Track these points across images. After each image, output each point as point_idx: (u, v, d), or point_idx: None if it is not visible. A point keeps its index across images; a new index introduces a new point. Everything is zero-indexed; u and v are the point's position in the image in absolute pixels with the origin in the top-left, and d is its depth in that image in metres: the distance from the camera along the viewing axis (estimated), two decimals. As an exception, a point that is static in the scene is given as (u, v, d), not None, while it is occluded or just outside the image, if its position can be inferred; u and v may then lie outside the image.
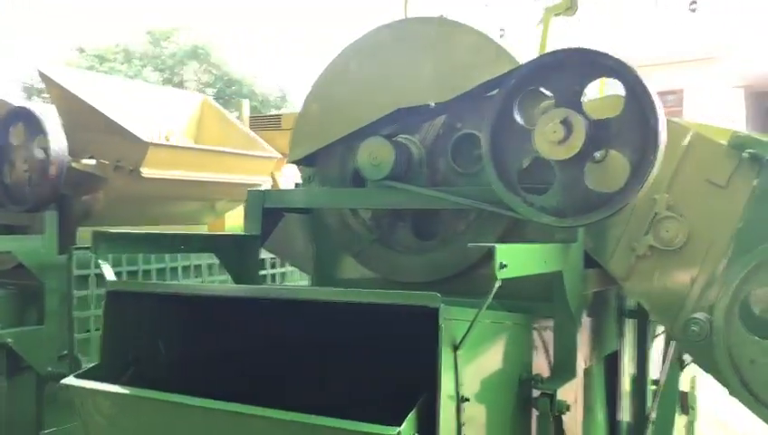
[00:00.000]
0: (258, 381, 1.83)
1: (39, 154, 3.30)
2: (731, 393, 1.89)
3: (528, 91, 2.01)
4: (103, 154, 3.51)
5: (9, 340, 3.19)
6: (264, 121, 5.41)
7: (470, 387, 1.58)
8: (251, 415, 1.57)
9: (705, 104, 18.70)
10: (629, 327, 3.04)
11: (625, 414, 3.03)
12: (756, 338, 1.80)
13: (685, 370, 3.08)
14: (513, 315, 1.89)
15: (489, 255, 1.57)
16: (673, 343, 2.82)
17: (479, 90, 2.14)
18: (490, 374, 1.74)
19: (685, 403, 3.25)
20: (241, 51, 23.11)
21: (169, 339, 2.05)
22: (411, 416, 1.40)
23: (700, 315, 1.88)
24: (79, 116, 3.53)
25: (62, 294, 3.41)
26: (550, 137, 1.86)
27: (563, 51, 1.90)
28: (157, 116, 4.12)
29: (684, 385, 3.23)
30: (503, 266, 1.50)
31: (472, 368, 1.60)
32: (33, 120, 3.30)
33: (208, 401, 1.61)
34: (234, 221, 4.62)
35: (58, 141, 3.23)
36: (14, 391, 3.25)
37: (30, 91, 21.67)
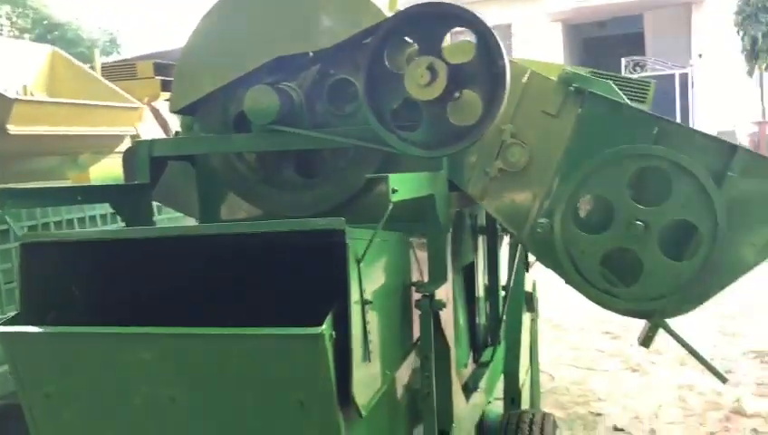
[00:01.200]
0: (175, 318, 2.03)
1: None
2: (567, 281, 2.37)
3: (396, 41, 2.32)
4: (-41, 114, 3.40)
5: None
6: (117, 70, 5.30)
7: (370, 293, 1.91)
8: (179, 335, 1.80)
9: (530, 38, 20.09)
10: (482, 242, 3.54)
11: (482, 317, 3.55)
12: (584, 234, 2.28)
13: (528, 273, 3.63)
14: (396, 233, 2.24)
15: (370, 185, 1.88)
16: (520, 249, 3.33)
17: (352, 39, 2.40)
18: (383, 283, 2.08)
19: (530, 302, 3.83)
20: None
21: (84, 285, 2.20)
22: (329, 318, 1.70)
23: (542, 220, 2.33)
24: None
25: None
26: (418, 81, 2.19)
27: (424, 5, 2.21)
28: (8, 71, 3.99)
29: (528, 287, 3.80)
30: (394, 191, 1.83)
31: (370, 278, 1.93)
32: None
33: (137, 328, 1.81)
34: (98, 174, 4.61)
35: None
36: None
37: None
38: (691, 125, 18.28)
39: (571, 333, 6.90)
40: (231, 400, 1.84)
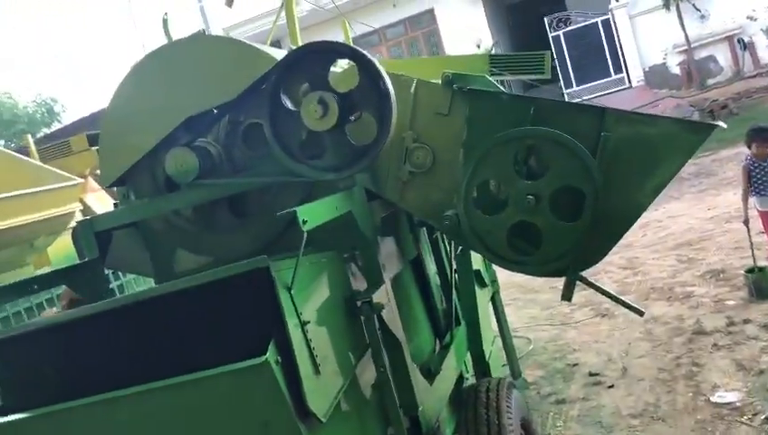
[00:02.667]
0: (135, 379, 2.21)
1: None
2: (485, 259, 2.63)
3: (288, 82, 2.55)
4: None
5: None
6: (52, 150, 5.46)
7: (308, 313, 2.14)
8: (139, 393, 2.00)
9: (454, 18, 20.42)
10: (423, 234, 3.79)
11: (438, 302, 3.80)
12: (487, 216, 2.54)
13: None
14: (326, 254, 2.47)
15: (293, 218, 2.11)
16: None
17: (251, 87, 2.62)
18: (321, 300, 2.31)
19: (480, 278, 4.08)
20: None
21: (53, 364, 2.40)
22: (272, 345, 1.93)
23: (449, 212, 2.58)
24: None
25: None
26: (313, 115, 2.42)
27: (306, 47, 2.45)
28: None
29: (476, 264, 4.04)
30: (305, 222, 2.06)
31: (305, 299, 2.16)
32: None
33: (104, 395, 2.01)
34: (55, 253, 4.77)
35: None
36: None
37: None
38: (622, 66, 18.83)
39: (542, 293, 7.20)
40: (205, 436, 2.06)
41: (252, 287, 2.05)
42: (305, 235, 2.07)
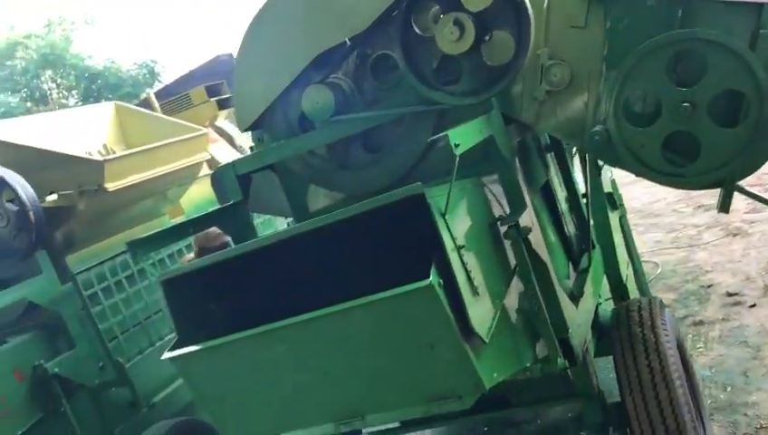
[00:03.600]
0: (303, 307, 2.30)
1: (12, 207, 3.59)
2: (637, 174, 2.53)
3: (419, 6, 2.50)
4: (63, 186, 3.82)
5: (56, 369, 3.58)
6: (174, 104, 5.67)
7: (461, 238, 2.14)
8: (313, 318, 2.08)
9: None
10: (551, 159, 3.69)
11: (570, 228, 3.72)
12: (640, 128, 2.43)
13: (602, 174, 3.75)
14: (469, 179, 2.46)
15: (432, 143, 2.10)
16: (587, 157, 3.48)
17: (380, 17, 2.59)
18: (469, 226, 2.30)
19: (612, 201, 3.96)
20: (101, 39, 21.97)
21: (217, 300, 2.54)
22: (433, 269, 1.95)
23: (598, 127, 2.49)
24: (22, 160, 3.79)
25: (79, 316, 3.80)
26: (449, 37, 2.37)
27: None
28: (86, 136, 4.39)
29: (606, 187, 3.92)
30: (457, 146, 2.04)
31: (457, 225, 2.16)
32: (-5, 179, 3.57)
33: (277, 323, 2.11)
34: (188, 202, 5.01)
35: (24, 188, 3.53)
36: (77, 409, 3.67)
37: None
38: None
39: (665, 217, 6.94)
40: (372, 360, 2.13)
41: (407, 214, 2.07)
42: (457, 159, 2.06)
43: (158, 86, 20.74)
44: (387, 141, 2.92)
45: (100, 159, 3.74)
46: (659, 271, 5.59)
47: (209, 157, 4.84)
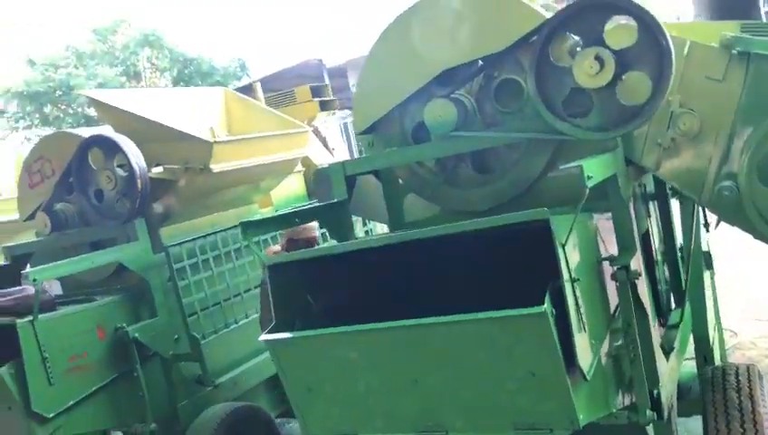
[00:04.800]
0: (401, 313, 2.32)
1: (121, 172, 3.74)
2: (756, 236, 2.47)
3: (558, 37, 2.51)
4: (170, 160, 3.96)
5: (136, 334, 3.70)
6: (279, 98, 5.83)
7: (575, 272, 2.12)
8: (417, 325, 2.10)
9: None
10: (653, 208, 3.62)
11: (662, 281, 3.64)
12: (772, 190, 2.37)
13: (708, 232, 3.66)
14: (585, 214, 2.44)
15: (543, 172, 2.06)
16: (698, 211, 3.40)
17: (518, 42, 2.61)
18: (581, 261, 2.28)
19: (708, 260, 3.86)
20: (193, 28, 22.75)
21: (317, 293, 2.58)
22: (548, 298, 1.94)
23: (727, 183, 2.44)
24: (137, 131, 3.95)
25: (164, 287, 3.92)
26: (588, 71, 2.37)
27: (586, 1, 2.39)
28: (195, 116, 4.54)
29: (705, 246, 3.83)
30: (589, 178, 2.03)
31: (572, 257, 2.15)
32: (108, 143, 3.73)
33: (386, 323, 2.14)
34: (277, 195, 5.12)
35: (137, 157, 3.68)
36: (148, 375, 3.77)
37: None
38: None
39: (749, 284, 6.69)
40: (466, 377, 2.12)
41: (521, 237, 2.07)
42: (587, 190, 2.05)
43: (245, 80, 21.32)
44: (498, 164, 2.92)
45: (210, 139, 3.86)
46: (737, 341, 5.39)
47: (304, 154, 4.93)
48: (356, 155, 6.52)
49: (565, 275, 2.02)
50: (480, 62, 2.73)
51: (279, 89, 6.32)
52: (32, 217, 4.23)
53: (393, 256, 2.43)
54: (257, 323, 4.42)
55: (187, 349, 3.88)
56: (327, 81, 16.37)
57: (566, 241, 2.05)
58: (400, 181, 3.18)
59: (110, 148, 3.75)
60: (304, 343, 2.34)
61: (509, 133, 2.70)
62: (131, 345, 3.70)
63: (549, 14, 2.62)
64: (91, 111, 21.00)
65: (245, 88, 6.54)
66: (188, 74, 21.99)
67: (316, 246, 3.59)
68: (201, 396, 3.96)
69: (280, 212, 3.34)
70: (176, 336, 3.93)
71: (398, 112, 2.99)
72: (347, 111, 12.52)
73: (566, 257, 2.05)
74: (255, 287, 4.27)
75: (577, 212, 2.06)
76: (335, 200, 2.96)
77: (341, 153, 6.11)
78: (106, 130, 3.92)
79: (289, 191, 5.13)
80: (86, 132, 3.99)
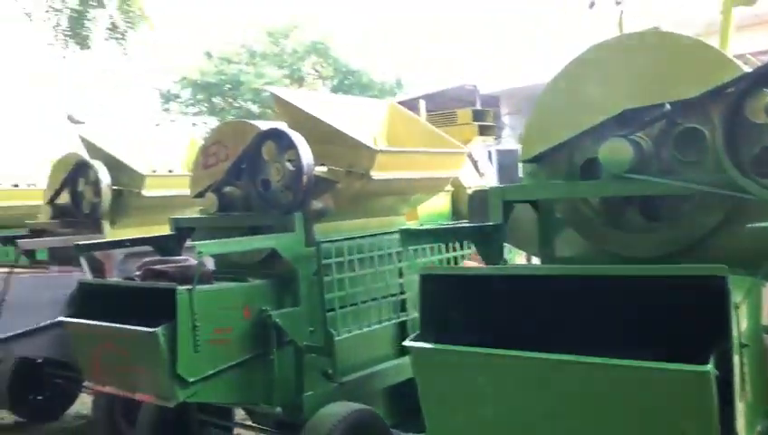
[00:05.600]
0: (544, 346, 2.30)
1: (289, 167, 3.97)
2: None
3: (756, 92, 2.40)
4: (334, 161, 4.15)
5: (278, 320, 3.89)
6: (439, 117, 5.95)
7: (744, 337, 2.02)
8: (565, 361, 2.07)
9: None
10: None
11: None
12: None
13: None
14: (751, 278, 2.31)
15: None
16: None
17: (714, 91, 2.52)
18: (750, 326, 2.17)
19: None
20: (359, 41, 23.64)
21: (461, 310, 2.61)
22: (713, 358, 1.86)
23: None
24: (309, 130, 4.17)
25: (310, 280, 4.10)
26: (786, 130, 2.25)
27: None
28: (362, 124, 4.73)
29: None
30: (780, 241, 1.93)
31: (742, 322, 2.04)
32: (283, 138, 3.98)
33: (533, 353, 2.13)
34: (424, 211, 5.21)
35: (306, 154, 3.89)
36: (281, 361, 3.95)
37: (167, 97, 23.44)
38: None
39: None
40: (611, 423, 2.07)
41: (694, 292, 1.99)
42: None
43: (399, 97, 21.86)
44: (668, 213, 2.83)
45: (376, 147, 4.01)
46: None
47: (458, 175, 5.00)
48: (498, 183, 6.50)
49: (734, 340, 1.92)
50: (667, 106, 2.65)
51: (432, 109, 6.44)
52: (200, 195, 4.56)
53: (538, 287, 2.43)
54: (388, 330, 4.53)
55: (321, 342, 4.02)
56: (479, 107, 16.48)
57: (740, 303, 1.96)
58: (558, 215, 3.16)
59: (283, 142, 4.00)
60: (444, 356, 2.37)
61: (687, 183, 2.60)
62: (272, 329, 3.89)
63: (747, 68, 2.52)
64: (254, 107, 22.39)
65: (404, 104, 6.71)
66: (348, 85, 22.87)
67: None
68: (325, 391, 4.09)
69: (429, 226, 3.40)
70: (311, 328, 4.09)
71: (570, 146, 2.98)
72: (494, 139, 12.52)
73: (737, 319, 1.96)
74: (392, 296, 4.37)
75: (757, 276, 1.96)
76: (490, 223, 2.99)
77: (491, 179, 6.11)
78: (281, 126, 4.17)
79: (435, 208, 5.21)
80: (264, 125, 4.27)
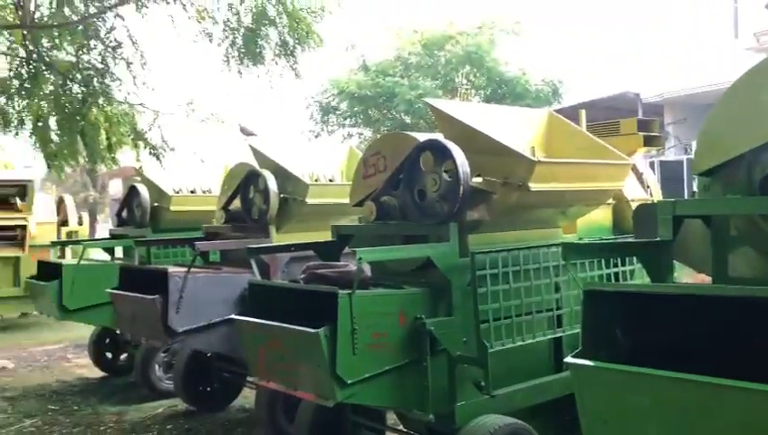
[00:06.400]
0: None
1: (446, 177, 4.02)
2: None
3: None
4: (490, 172, 4.14)
5: (431, 328, 3.94)
6: (601, 127, 5.76)
7: None
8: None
9: None
10: None
11: None
12: None
13: None
14: None
15: None
16: None
17: None
18: None
19: None
20: (516, 50, 23.37)
21: (626, 329, 2.52)
22: None
23: None
24: (465, 140, 4.20)
25: (463, 290, 4.12)
26: None
27: None
28: (519, 134, 4.69)
29: None
30: None
31: None
32: (441, 149, 4.04)
33: (705, 377, 2.01)
34: (582, 224, 5.06)
35: (463, 166, 3.92)
36: (434, 367, 3.99)
37: (326, 110, 24.47)
38: None
39: None
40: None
41: None
42: None
43: (555, 106, 21.34)
44: None
45: (534, 158, 3.96)
46: None
47: (622, 188, 4.80)
48: (662, 196, 6.16)
49: None
50: None
51: (592, 118, 6.23)
52: (359, 203, 4.73)
53: (708, 307, 2.28)
54: (543, 345, 4.45)
55: (474, 353, 4.03)
56: (641, 116, 15.71)
57: None
58: (734, 232, 2.95)
59: (441, 153, 4.06)
60: (607, 374, 2.30)
61: None
62: (425, 337, 3.95)
63: None
64: (407, 118, 22.80)
65: (562, 112, 6.54)
66: (501, 94, 22.65)
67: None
68: (478, 402, 4.08)
69: (592, 240, 3.29)
70: (464, 339, 4.11)
71: (748, 159, 2.78)
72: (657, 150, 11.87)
73: None
74: (548, 310, 4.29)
75: None
76: (658, 239, 2.85)
77: (656, 192, 5.81)
78: (438, 137, 4.23)
79: (594, 221, 5.04)
80: (421, 136, 4.36)
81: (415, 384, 3.99)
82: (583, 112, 5.40)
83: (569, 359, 2.35)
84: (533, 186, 3.97)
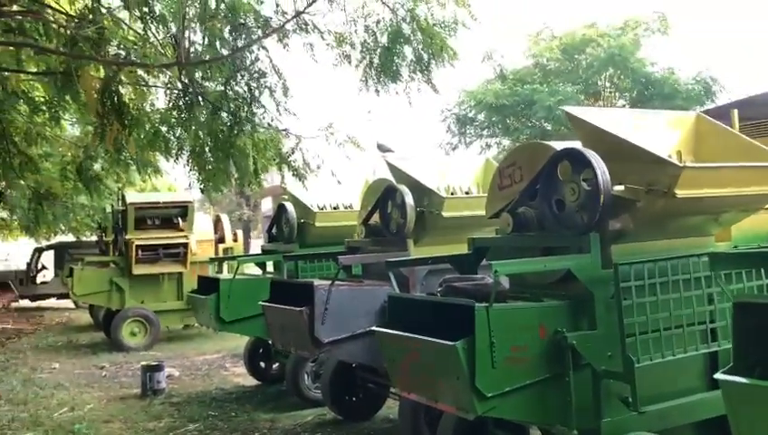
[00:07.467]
0: None
1: (585, 186, 3.92)
2: None
3: None
4: (633, 180, 3.98)
5: (573, 342, 3.84)
6: (754, 128, 5.37)
7: None
8: None
9: None
10: None
11: None
12: None
13: None
14: None
15: None
16: None
17: None
18: None
19: None
20: (663, 49, 22.19)
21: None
22: None
23: None
24: (605, 147, 4.07)
25: (607, 302, 3.98)
26: None
27: None
28: (664, 138, 4.48)
29: None
30: None
31: None
32: (579, 157, 3.94)
33: None
34: (739, 231, 4.72)
35: (604, 174, 3.80)
36: (578, 382, 3.88)
37: (463, 122, 24.42)
38: None
39: None
40: None
41: None
42: None
43: (708, 106, 20.00)
44: None
45: (680, 164, 3.76)
46: None
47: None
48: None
49: None
50: None
51: (749, 117, 5.79)
52: (496, 215, 4.70)
53: None
54: (696, 361, 4.20)
55: (620, 368, 3.87)
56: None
57: None
58: None
59: (579, 162, 3.96)
60: (761, 392, 2.15)
61: None
62: (567, 351, 3.86)
63: None
64: (547, 125, 22.30)
65: (712, 112, 6.16)
66: (648, 96, 21.61)
67: None
68: (625, 419, 3.92)
69: (744, 249, 3.05)
70: (609, 353, 3.96)
71: None
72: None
73: None
74: (700, 324, 4.04)
75: None
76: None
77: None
78: (576, 145, 4.13)
79: (753, 228, 4.68)
80: (558, 145, 4.27)
81: (558, 399, 3.90)
82: (735, 112, 5.05)
83: (719, 375, 2.22)
84: (680, 192, 3.77)
